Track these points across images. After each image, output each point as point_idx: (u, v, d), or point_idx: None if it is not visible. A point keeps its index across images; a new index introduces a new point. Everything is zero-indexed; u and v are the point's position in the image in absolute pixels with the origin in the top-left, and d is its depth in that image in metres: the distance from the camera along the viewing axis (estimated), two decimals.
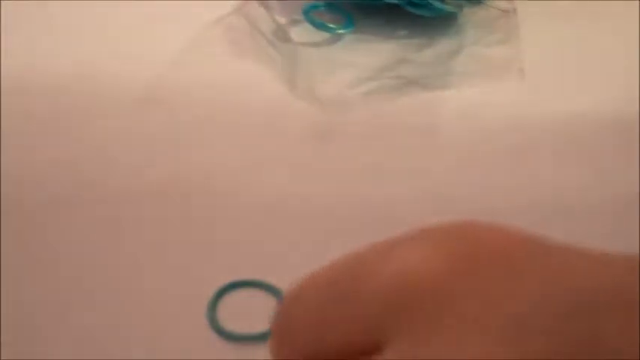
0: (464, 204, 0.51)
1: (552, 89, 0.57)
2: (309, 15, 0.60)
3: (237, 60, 0.59)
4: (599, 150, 0.54)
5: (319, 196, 0.52)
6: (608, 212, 0.51)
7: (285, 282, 0.47)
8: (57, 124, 0.56)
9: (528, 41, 0.59)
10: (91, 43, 0.60)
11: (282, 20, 0.61)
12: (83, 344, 0.45)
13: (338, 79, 0.57)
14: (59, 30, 0.61)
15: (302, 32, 0.60)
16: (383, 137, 0.54)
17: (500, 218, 0.49)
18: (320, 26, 0.60)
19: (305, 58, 0.59)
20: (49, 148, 0.54)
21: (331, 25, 0.60)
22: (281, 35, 0.60)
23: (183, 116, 0.56)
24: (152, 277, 0.48)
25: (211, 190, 0.52)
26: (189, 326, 0.46)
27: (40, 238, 0.50)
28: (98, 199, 0.52)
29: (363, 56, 0.59)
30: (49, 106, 0.57)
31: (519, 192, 0.52)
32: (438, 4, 0.58)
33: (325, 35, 0.60)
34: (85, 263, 0.49)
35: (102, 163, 0.53)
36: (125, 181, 0.52)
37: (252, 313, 0.46)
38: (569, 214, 0.50)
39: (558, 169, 0.53)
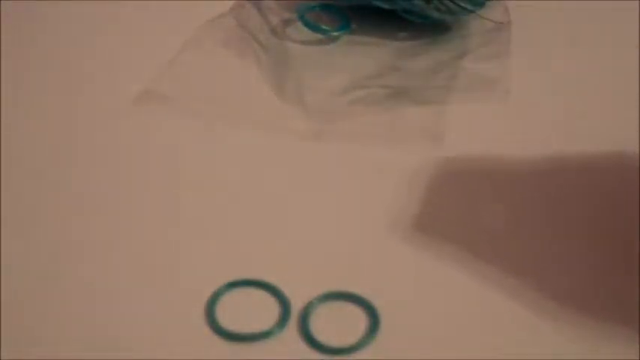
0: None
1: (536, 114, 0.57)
2: (304, 16, 0.60)
3: (228, 61, 0.59)
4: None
5: (317, 197, 0.52)
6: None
7: (283, 281, 0.48)
8: (54, 123, 0.55)
9: (518, 59, 0.59)
10: (87, 43, 0.60)
11: (276, 21, 0.61)
12: (82, 344, 0.45)
13: (326, 85, 0.57)
14: (55, 30, 0.61)
15: (296, 34, 0.60)
16: (367, 146, 0.55)
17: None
18: (314, 28, 0.60)
19: (296, 61, 0.59)
20: (47, 148, 0.54)
21: (325, 27, 0.60)
22: (274, 37, 0.60)
23: (175, 116, 0.56)
24: (151, 276, 0.48)
25: (211, 189, 0.52)
26: (188, 325, 0.46)
27: (39, 236, 0.50)
28: (95, 197, 0.51)
29: (355, 60, 0.59)
30: (46, 105, 0.56)
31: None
32: (431, 12, 0.59)
33: (319, 37, 0.60)
34: (84, 263, 0.48)
35: (99, 161, 0.53)
36: (122, 180, 0.52)
37: (250, 312, 0.46)
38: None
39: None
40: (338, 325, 0.46)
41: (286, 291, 0.47)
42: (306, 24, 0.60)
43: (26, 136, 0.54)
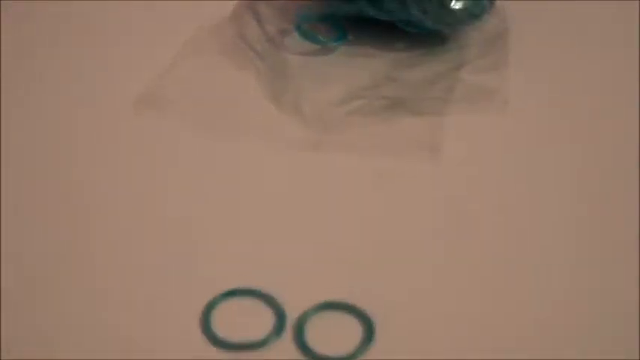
0: (447, 224, 0.51)
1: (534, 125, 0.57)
2: (302, 27, 0.60)
3: (225, 71, 0.59)
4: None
5: (314, 207, 0.52)
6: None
7: (279, 291, 0.48)
8: (54, 124, 0.56)
9: (516, 69, 0.59)
10: (87, 44, 0.60)
11: (274, 32, 0.61)
12: (80, 350, 0.45)
13: (324, 96, 0.57)
14: (55, 30, 0.61)
15: (293, 44, 0.60)
16: (364, 156, 0.55)
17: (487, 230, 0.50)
18: (311, 39, 0.60)
19: (293, 71, 0.59)
20: (47, 149, 0.54)
21: (322, 38, 0.60)
22: (271, 47, 0.60)
23: (173, 126, 0.56)
24: (146, 284, 0.48)
25: (207, 198, 0.52)
26: (184, 334, 0.46)
27: (39, 237, 0.50)
28: (93, 201, 0.52)
29: (353, 71, 0.59)
30: (46, 106, 0.56)
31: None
32: (428, 23, 0.59)
33: (317, 48, 0.60)
34: (80, 270, 0.48)
35: (97, 165, 0.53)
36: (119, 185, 0.52)
37: (246, 321, 0.47)
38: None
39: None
40: (333, 335, 0.46)
41: (281, 301, 0.47)
42: (304, 35, 0.60)
43: (26, 137, 0.54)
